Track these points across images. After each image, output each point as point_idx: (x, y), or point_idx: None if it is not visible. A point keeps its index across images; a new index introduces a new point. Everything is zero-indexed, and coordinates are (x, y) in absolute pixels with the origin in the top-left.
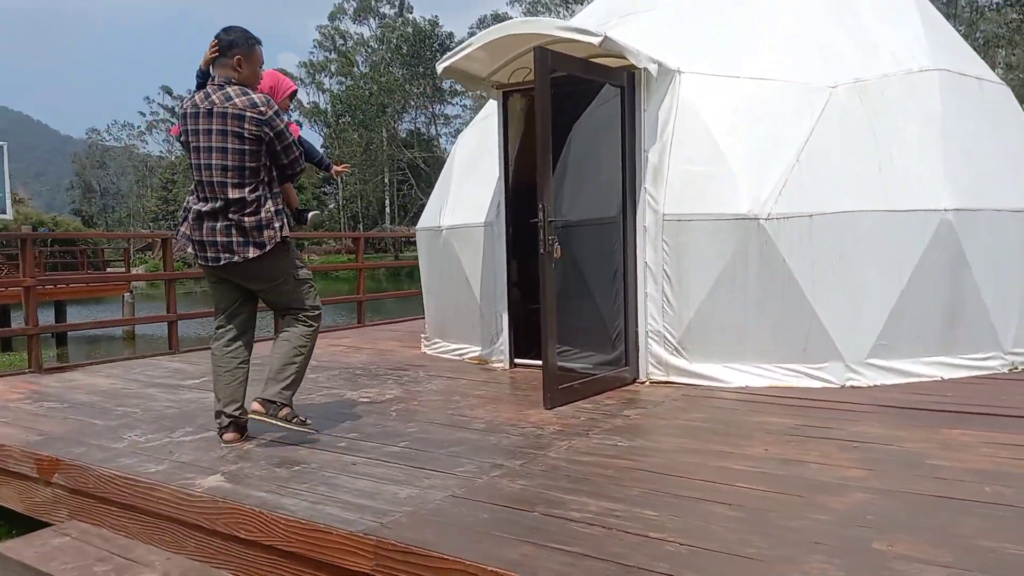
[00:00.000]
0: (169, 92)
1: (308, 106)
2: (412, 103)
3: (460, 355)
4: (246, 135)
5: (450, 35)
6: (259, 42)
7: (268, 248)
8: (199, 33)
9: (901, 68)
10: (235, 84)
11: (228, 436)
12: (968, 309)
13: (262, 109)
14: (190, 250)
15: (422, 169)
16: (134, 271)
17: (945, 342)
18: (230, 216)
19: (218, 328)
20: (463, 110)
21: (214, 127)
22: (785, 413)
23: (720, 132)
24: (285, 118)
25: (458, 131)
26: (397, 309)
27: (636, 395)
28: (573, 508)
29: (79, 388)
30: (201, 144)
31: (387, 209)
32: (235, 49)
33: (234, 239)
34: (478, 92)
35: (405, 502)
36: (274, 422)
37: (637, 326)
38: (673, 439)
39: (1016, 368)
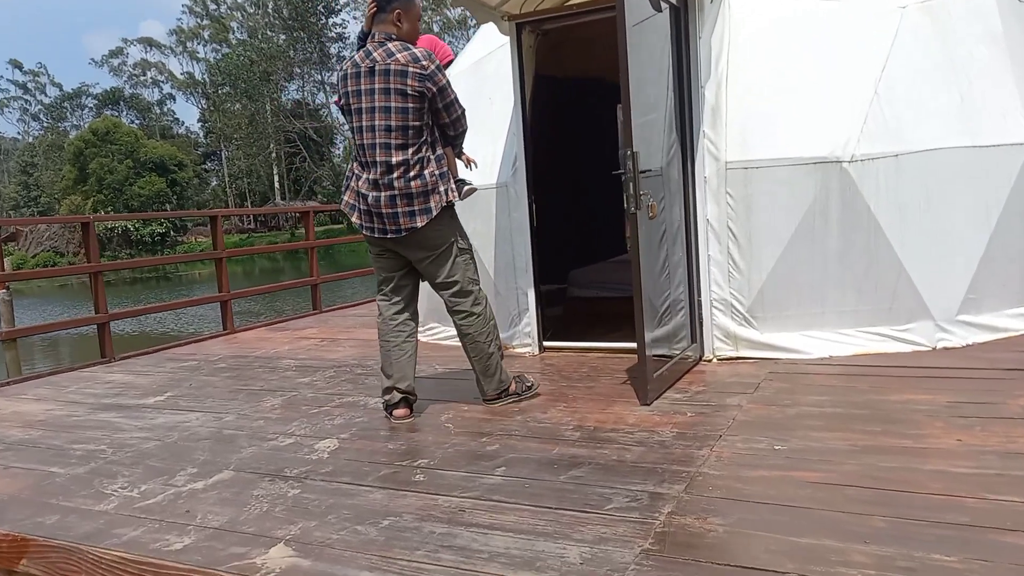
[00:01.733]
0: (19, 66)
1: (182, 77)
2: (298, 70)
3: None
4: (409, 92)
5: None
6: None
7: (435, 214)
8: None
9: None
10: (396, 40)
11: (399, 412)
12: None
13: (424, 63)
14: (355, 219)
15: (312, 140)
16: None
17: (1021, 292)
18: (395, 183)
19: (382, 300)
20: None
21: (376, 86)
22: (915, 387)
23: (784, 62)
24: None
25: None
26: (329, 294)
27: (715, 377)
28: (834, 559)
29: (6, 420)
30: (363, 105)
31: (276, 184)
32: (395, 3)
33: (400, 210)
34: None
35: (587, 571)
36: (509, 403)
37: (700, 295)
38: (828, 434)
39: None
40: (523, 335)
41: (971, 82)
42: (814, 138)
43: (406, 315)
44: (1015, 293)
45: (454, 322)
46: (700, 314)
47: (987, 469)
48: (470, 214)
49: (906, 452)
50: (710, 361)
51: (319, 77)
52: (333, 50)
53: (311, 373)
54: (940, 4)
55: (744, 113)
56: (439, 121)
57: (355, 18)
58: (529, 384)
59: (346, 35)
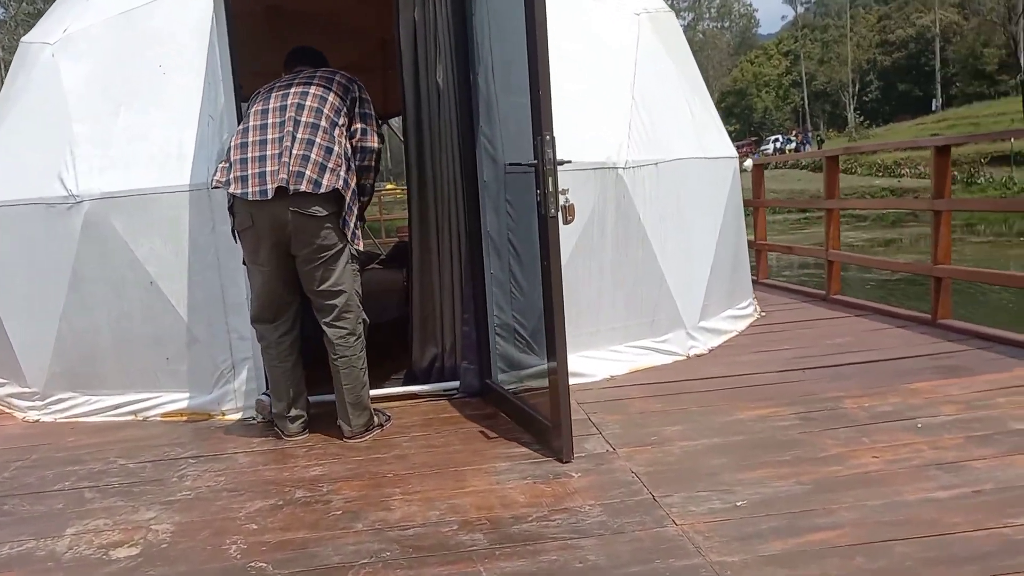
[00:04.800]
0: None
1: None
2: None
3: (135, 413)
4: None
5: None
6: None
7: (322, 190)
8: None
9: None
10: None
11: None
12: (741, 257)
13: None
14: (233, 189)
15: None
16: None
17: (731, 294)
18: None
19: (263, 328)
20: None
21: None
22: (744, 402)
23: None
24: None
25: None
26: None
27: None
28: None
29: None
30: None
31: None
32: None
33: (304, 153)
34: None
35: None
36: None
37: (487, 320)
38: (752, 473)
39: (762, 314)
40: (238, 396)
41: (681, 98)
42: (589, 143)
43: (295, 334)
44: (724, 296)
45: (329, 343)
46: (488, 342)
47: (959, 488)
48: (142, 228)
49: (859, 482)
50: None
51: None
52: None
53: None
54: (661, 18)
55: (516, 107)
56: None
57: None
58: (388, 416)
59: None
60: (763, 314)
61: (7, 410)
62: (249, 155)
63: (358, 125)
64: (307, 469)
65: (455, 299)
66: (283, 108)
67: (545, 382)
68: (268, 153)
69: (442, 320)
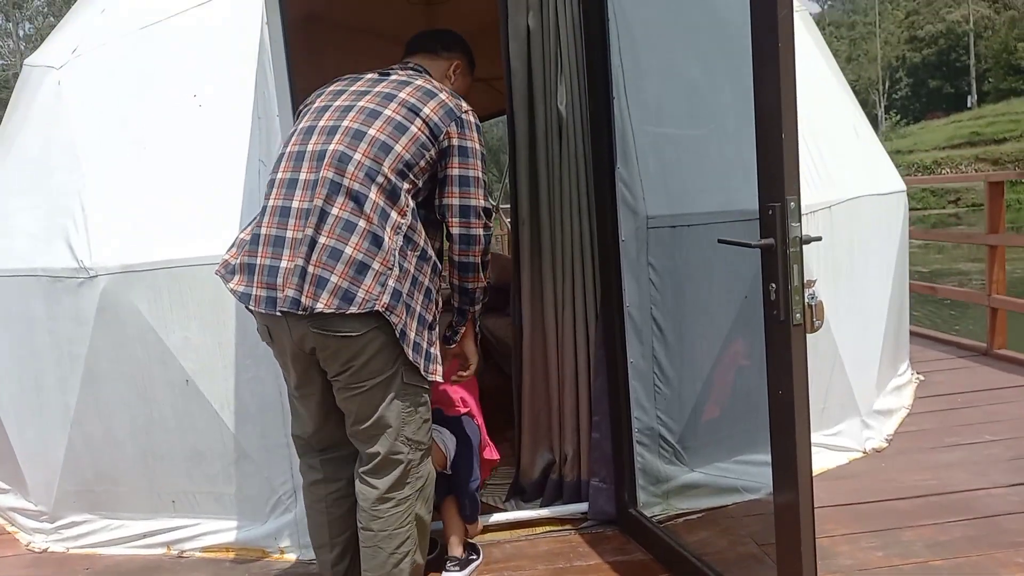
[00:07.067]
0: None
1: None
2: None
3: (168, 544)
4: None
5: None
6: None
7: (352, 308)
8: None
9: None
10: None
11: None
12: (904, 310)
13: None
14: (234, 285)
15: None
16: None
17: (894, 358)
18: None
19: (309, 465)
20: None
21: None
22: (986, 549)
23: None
24: None
25: None
26: None
27: None
28: None
29: None
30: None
31: None
32: (455, 49)
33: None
34: None
35: None
36: None
37: (626, 424)
38: None
39: (919, 377)
40: (301, 529)
41: (856, 111)
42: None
43: (344, 480)
44: (890, 364)
45: (360, 501)
46: (632, 455)
47: None
48: (175, 311)
49: None
50: None
51: None
52: None
53: None
54: (805, 14)
55: (655, 142)
56: None
57: None
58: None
59: None
60: (920, 377)
61: (9, 528)
62: (264, 229)
63: (452, 200)
64: None
65: (579, 395)
66: (331, 132)
67: (684, 502)
68: (288, 234)
69: (560, 421)
